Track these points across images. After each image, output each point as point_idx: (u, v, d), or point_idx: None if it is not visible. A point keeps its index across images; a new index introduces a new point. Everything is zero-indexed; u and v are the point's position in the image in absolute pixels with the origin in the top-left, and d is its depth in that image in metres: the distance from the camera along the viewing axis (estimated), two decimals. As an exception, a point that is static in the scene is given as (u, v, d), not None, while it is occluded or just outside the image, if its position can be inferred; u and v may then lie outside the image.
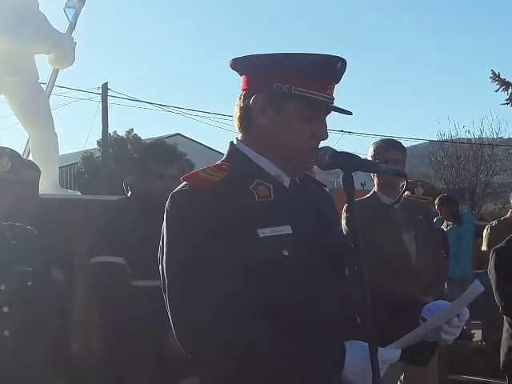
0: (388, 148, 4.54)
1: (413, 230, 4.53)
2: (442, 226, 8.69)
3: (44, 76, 6.55)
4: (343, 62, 2.18)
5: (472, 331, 8.91)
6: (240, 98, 2.23)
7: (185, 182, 2.15)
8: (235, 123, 2.27)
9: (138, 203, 3.81)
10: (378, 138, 4.95)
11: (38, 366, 3.32)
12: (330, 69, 2.17)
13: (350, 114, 2.24)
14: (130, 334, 3.51)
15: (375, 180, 4.61)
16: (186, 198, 2.11)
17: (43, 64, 6.37)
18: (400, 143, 4.74)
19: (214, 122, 58.07)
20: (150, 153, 3.95)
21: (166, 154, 3.90)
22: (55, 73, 6.55)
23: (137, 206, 3.78)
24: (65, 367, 3.64)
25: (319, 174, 3.90)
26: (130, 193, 3.96)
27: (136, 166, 4.02)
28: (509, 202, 5.27)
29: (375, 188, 4.63)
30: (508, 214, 7.56)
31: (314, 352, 1.99)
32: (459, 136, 33.73)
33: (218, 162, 2.24)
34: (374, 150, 4.54)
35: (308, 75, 2.13)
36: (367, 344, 1.96)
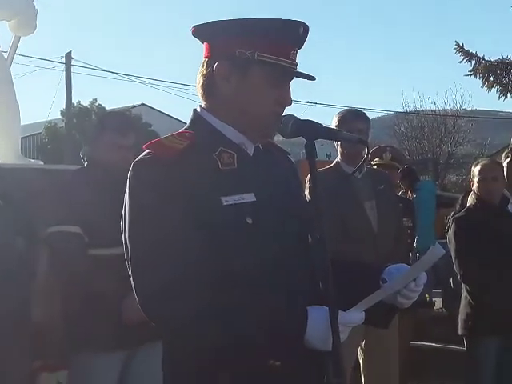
0: (352, 118, 4.56)
1: (374, 199, 4.57)
2: None
3: (5, 44, 6.45)
4: (305, 27, 2.18)
5: (433, 299, 9.05)
6: (203, 66, 2.22)
7: (147, 150, 2.14)
8: (198, 91, 2.26)
9: (93, 173, 3.79)
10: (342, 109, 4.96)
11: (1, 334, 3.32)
12: (292, 33, 2.16)
13: (313, 78, 2.24)
14: (89, 301, 3.51)
15: (338, 150, 4.63)
16: (148, 166, 2.10)
17: (4, 31, 6.28)
18: (364, 113, 4.76)
19: (179, 92, 57.79)
20: (106, 123, 3.92)
21: (121, 123, 3.88)
22: (16, 40, 6.45)
23: (93, 176, 3.77)
24: (27, 335, 3.63)
25: (286, 145, 3.91)
26: (86, 163, 3.94)
27: (91, 136, 4.00)
28: (469, 173, 5.32)
29: (338, 158, 4.66)
30: None
31: (276, 318, 2.01)
32: (424, 107, 33.99)
33: (181, 130, 2.23)
34: (339, 120, 4.56)
35: (270, 40, 2.13)
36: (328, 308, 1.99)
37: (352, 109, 5.06)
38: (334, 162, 4.68)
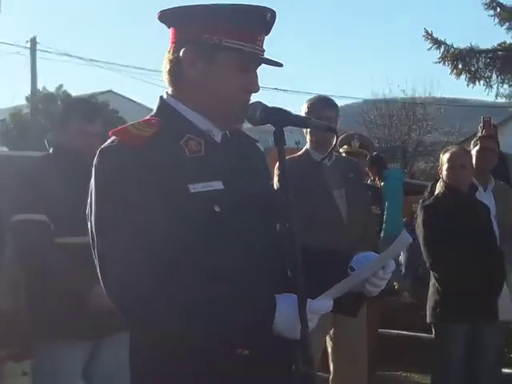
0: (321, 105, 4.55)
1: (344, 187, 4.57)
2: None
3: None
4: (272, 14, 2.17)
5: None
6: (169, 51, 2.19)
7: (113, 137, 2.10)
8: (165, 77, 2.23)
9: (59, 160, 3.75)
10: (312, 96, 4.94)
11: None
12: (259, 20, 2.15)
13: (281, 65, 2.23)
14: (55, 290, 3.48)
15: (308, 137, 4.63)
16: (114, 153, 2.06)
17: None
18: (333, 101, 4.75)
19: (147, 78, 57.50)
20: (72, 109, 3.90)
21: (87, 110, 3.84)
22: (-19, 25, 6.34)
23: (59, 163, 3.72)
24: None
25: (255, 132, 3.90)
26: (51, 149, 3.89)
27: (57, 123, 3.96)
28: (438, 161, 5.35)
29: (307, 145, 4.65)
30: None
31: (244, 306, 2.00)
32: (392, 95, 34.20)
33: (147, 117, 2.20)
34: (308, 107, 4.55)
35: (237, 26, 2.10)
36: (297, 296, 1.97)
37: (321, 96, 5.04)
38: (303, 150, 4.68)
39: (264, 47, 2.18)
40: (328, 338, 4.69)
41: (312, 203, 4.33)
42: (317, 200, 4.39)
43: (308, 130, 4.49)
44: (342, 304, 2.16)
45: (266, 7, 2.16)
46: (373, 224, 5.08)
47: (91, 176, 2.10)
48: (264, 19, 2.16)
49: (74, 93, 29.29)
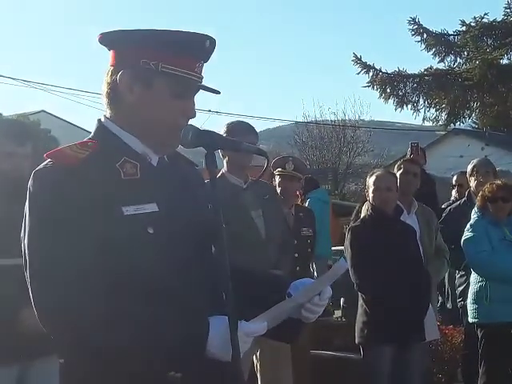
0: (244, 131, 4.56)
1: (260, 208, 4.65)
2: None
3: None
4: (212, 41, 2.19)
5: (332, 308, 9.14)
6: (107, 74, 2.21)
7: (48, 159, 2.10)
8: (103, 100, 2.24)
9: None
10: (246, 119, 4.97)
11: None
12: (197, 47, 2.17)
13: (218, 92, 2.27)
14: None
15: (225, 161, 4.65)
16: (49, 174, 2.07)
17: None
18: (252, 126, 4.76)
19: (79, 99, 56.76)
20: (1, 130, 3.82)
21: (16, 131, 3.79)
22: None
23: None
24: None
25: (188, 154, 3.91)
26: None
27: None
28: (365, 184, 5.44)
29: (224, 169, 4.68)
30: None
31: (178, 329, 2.01)
32: (324, 117, 34.63)
33: (84, 140, 2.20)
34: (230, 131, 4.53)
35: (175, 52, 2.13)
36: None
37: (241, 121, 5.00)
38: (220, 173, 4.66)
39: (202, 74, 2.21)
40: (255, 359, 4.72)
41: (232, 224, 4.38)
42: (237, 221, 4.43)
43: (225, 153, 4.52)
44: (279, 330, 2.18)
45: (205, 34, 2.18)
46: (290, 244, 5.15)
47: (19, 198, 2.10)
48: (203, 47, 2.18)
49: (5, 113, 28.76)
